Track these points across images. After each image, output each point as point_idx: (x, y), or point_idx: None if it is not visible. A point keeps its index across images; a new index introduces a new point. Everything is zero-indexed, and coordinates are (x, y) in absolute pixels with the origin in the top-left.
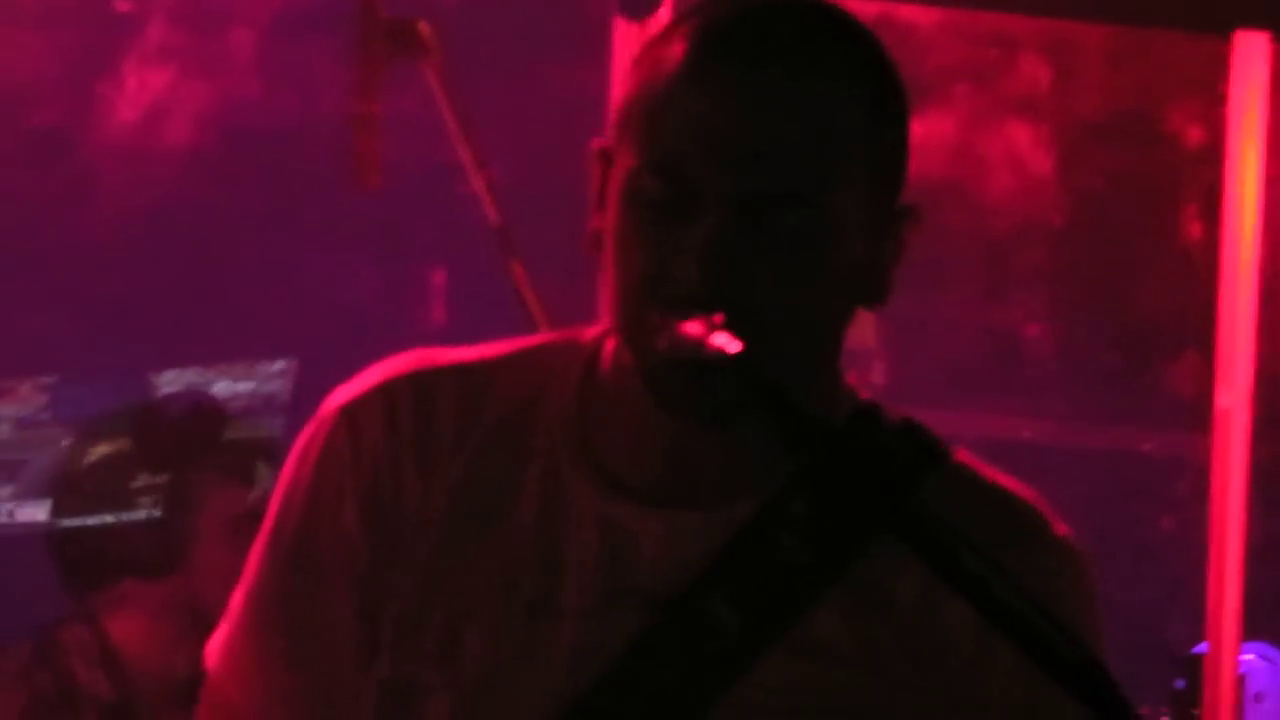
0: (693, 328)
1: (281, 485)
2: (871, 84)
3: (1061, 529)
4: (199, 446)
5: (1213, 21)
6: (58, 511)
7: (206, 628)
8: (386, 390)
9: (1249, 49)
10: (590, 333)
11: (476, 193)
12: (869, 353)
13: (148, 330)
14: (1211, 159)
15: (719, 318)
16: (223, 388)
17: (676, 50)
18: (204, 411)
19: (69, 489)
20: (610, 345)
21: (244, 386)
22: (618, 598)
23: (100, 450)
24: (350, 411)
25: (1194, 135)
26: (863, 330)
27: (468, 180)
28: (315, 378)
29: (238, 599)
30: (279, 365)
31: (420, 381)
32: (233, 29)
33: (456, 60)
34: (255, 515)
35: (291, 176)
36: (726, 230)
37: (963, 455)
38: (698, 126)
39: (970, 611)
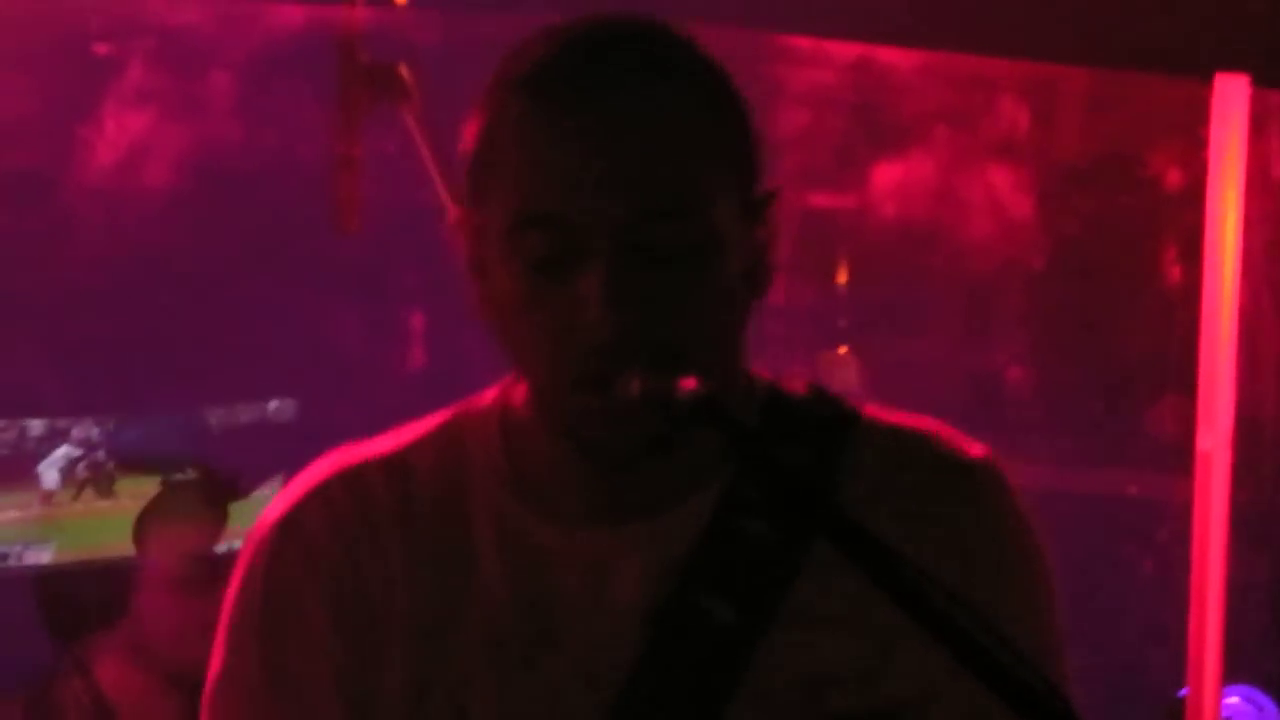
0: (637, 385)
1: (232, 612)
2: (705, 85)
3: (974, 451)
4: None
5: (1193, 65)
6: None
7: (174, 680)
8: (320, 493)
9: (1229, 92)
10: (487, 396)
11: None
12: (851, 396)
13: (126, 373)
14: (1192, 202)
15: (635, 366)
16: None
17: (512, 106)
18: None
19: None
20: (517, 402)
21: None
22: (610, 618)
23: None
24: (290, 523)
25: (1174, 178)
26: (845, 372)
27: (447, 222)
28: (295, 418)
29: None
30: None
31: (348, 478)
32: (212, 72)
33: (436, 104)
34: (201, 559)
35: (271, 219)
36: (617, 267)
37: (870, 410)
38: (558, 174)
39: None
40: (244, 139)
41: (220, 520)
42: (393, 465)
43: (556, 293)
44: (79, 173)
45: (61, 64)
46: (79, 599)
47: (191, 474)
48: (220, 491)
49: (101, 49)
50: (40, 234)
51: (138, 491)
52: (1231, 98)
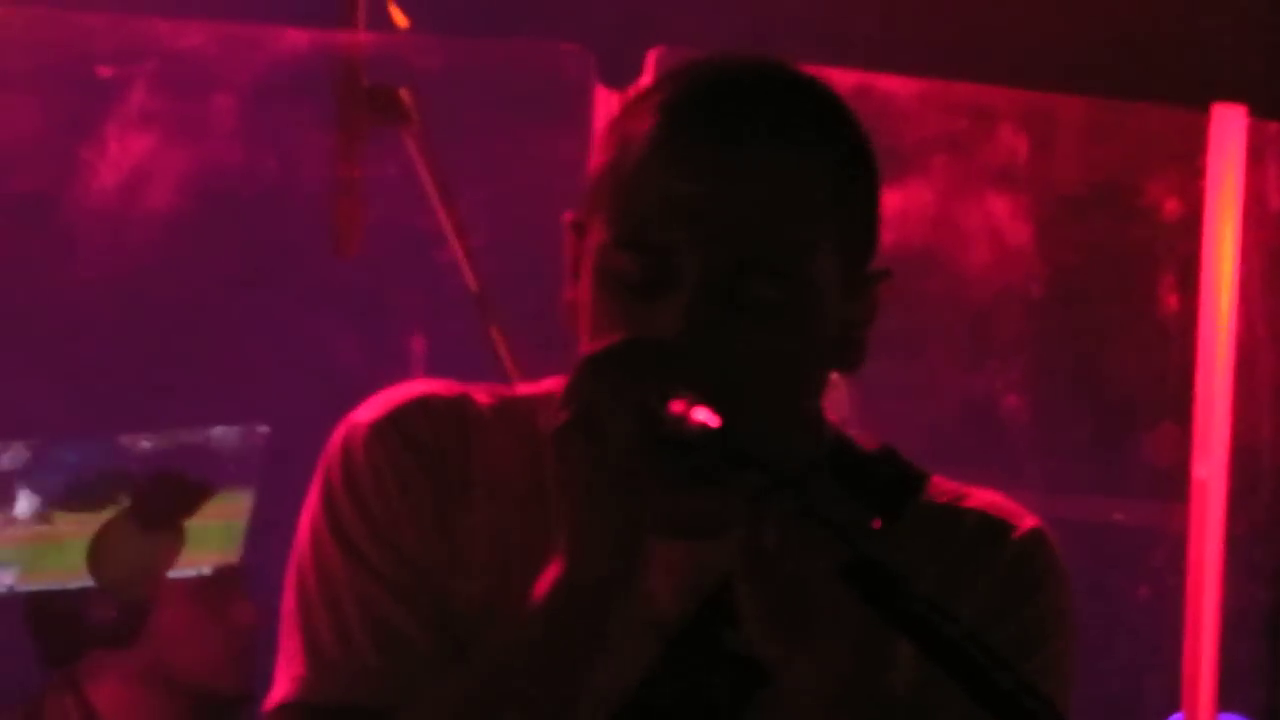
0: (676, 405)
1: (325, 498)
2: (840, 149)
3: (1027, 522)
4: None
5: (1190, 95)
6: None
7: (180, 696)
8: (420, 402)
9: (1226, 122)
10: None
11: (456, 259)
12: (844, 422)
13: (126, 394)
14: (1189, 231)
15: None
16: (197, 450)
17: (645, 124)
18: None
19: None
20: None
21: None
22: (636, 629)
23: (78, 516)
24: (393, 419)
25: (1171, 207)
26: (836, 398)
27: (447, 246)
28: (292, 443)
29: (320, 641)
30: (252, 430)
31: (450, 396)
32: (214, 94)
33: (437, 127)
34: (218, 579)
35: (272, 242)
36: (700, 306)
37: (938, 478)
38: (669, 202)
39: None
40: (245, 162)
41: (177, 540)
42: (492, 402)
43: (636, 316)
44: (81, 194)
45: (64, 86)
46: (64, 625)
47: (127, 500)
48: (175, 509)
49: (105, 71)
50: (41, 255)
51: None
52: (1229, 128)
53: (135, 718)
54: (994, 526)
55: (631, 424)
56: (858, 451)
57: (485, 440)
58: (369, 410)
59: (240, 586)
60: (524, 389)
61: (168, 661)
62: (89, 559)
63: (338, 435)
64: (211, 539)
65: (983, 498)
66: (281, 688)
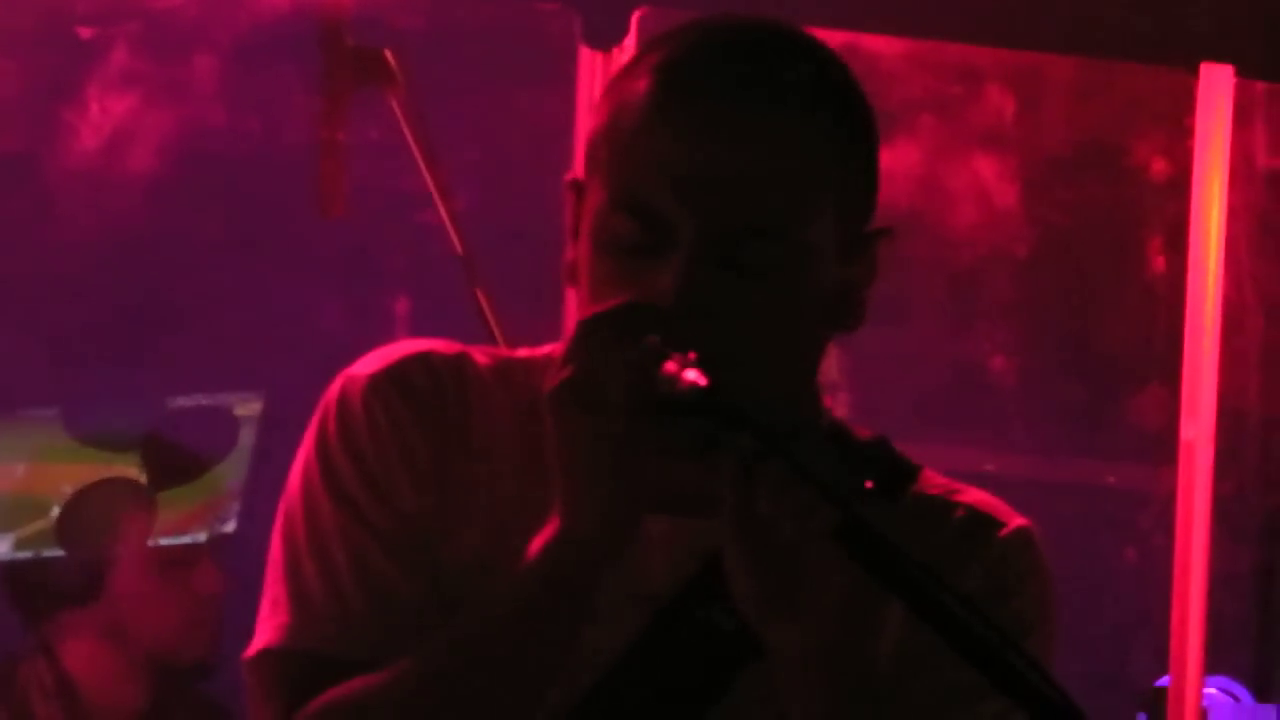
0: (669, 366)
1: (319, 445)
2: (837, 109)
3: (1014, 520)
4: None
5: (1178, 55)
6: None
7: (142, 660)
8: (421, 357)
9: (1214, 82)
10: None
11: (441, 221)
12: (832, 385)
13: (108, 357)
14: (1176, 192)
15: (692, 355)
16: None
17: (640, 86)
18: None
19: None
20: None
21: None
22: (626, 602)
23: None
24: (392, 373)
25: (1159, 168)
26: (825, 362)
27: (432, 208)
28: (276, 405)
29: (308, 586)
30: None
31: (451, 353)
32: (197, 55)
33: (421, 89)
34: (181, 545)
35: (255, 204)
36: (696, 268)
37: (929, 473)
38: (664, 165)
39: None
40: (228, 123)
41: (149, 511)
42: (491, 363)
43: (633, 279)
44: (62, 156)
45: (46, 47)
46: (39, 582)
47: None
48: (167, 476)
49: (86, 32)
50: (21, 217)
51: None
52: (1216, 88)
53: (105, 680)
54: (982, 521)
55: (625, 386)
56: (851, 439)
57: (484, 400)
58: (368, 363)
59: (205, 554)
60: (523, 352)
61: (127, 626)
62: (58, 518)
63: (334, 387)
64: (200, 507)
65: (974, 495)
66: (265, 634)
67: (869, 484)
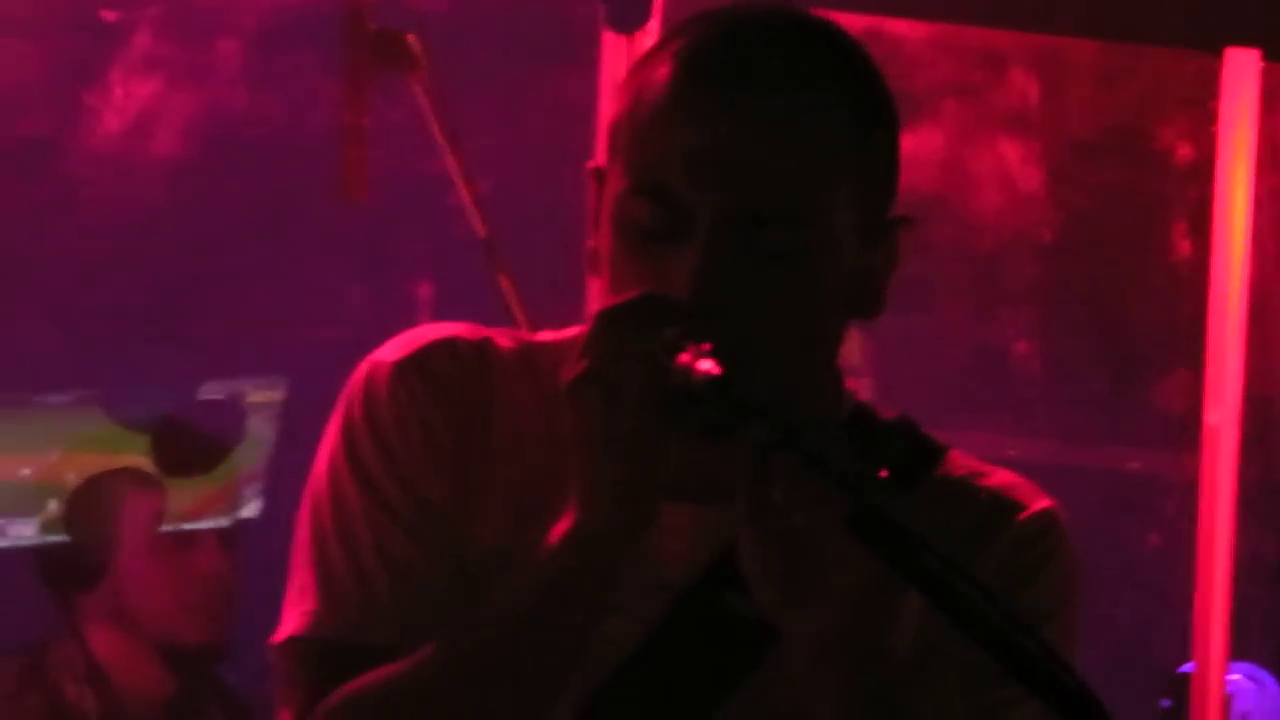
0: (683, 357)
1: (345, 434)
2: (857, 96)
3: (1039, 503)
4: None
5: (1203, 39)
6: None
7: (151, 644)
8: (446, 344)
9: (1239, 66)
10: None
11: (464, 205)
12: (855, 370)
13: (132, 342)
14: (1201, 176)
15: (706, 345)
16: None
17: (662, 73)
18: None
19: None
20: None
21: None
22: (645, 591)
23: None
24: (416, 360)
25: (1184, 152)
26: (849, 347)
27: (455, 192)
28: (301, 389)
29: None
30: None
31: (475, 340)
32: (220, 39)
33: (444, 73)
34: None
35: (278, 188)
36: (716, 253)
37: (956, 454)
38: (684, 150)
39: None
40: (251, 108)
41: (156, 498)
42: (515, 347)
43: (653, 264)
44: (86, 140)
45: (69, 30)
46: (62, 570)
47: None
48: (191, 463)
49: (110, 16)
50: (45, 202)
51: None
52: (1242, 72)
53: (128, 664)
54: (1006, 504)
55: (640, 378)
56: (875, 420)
57: (507, 385)
58: (392, 349)
59: (208, 536)
60: (546, 336)
61: (132, 610)
62: (65, 506)
63: (360, 372)
64: (214, 493)
65: (1001, 476)
66: (292, 621)
67: (884, 473)
